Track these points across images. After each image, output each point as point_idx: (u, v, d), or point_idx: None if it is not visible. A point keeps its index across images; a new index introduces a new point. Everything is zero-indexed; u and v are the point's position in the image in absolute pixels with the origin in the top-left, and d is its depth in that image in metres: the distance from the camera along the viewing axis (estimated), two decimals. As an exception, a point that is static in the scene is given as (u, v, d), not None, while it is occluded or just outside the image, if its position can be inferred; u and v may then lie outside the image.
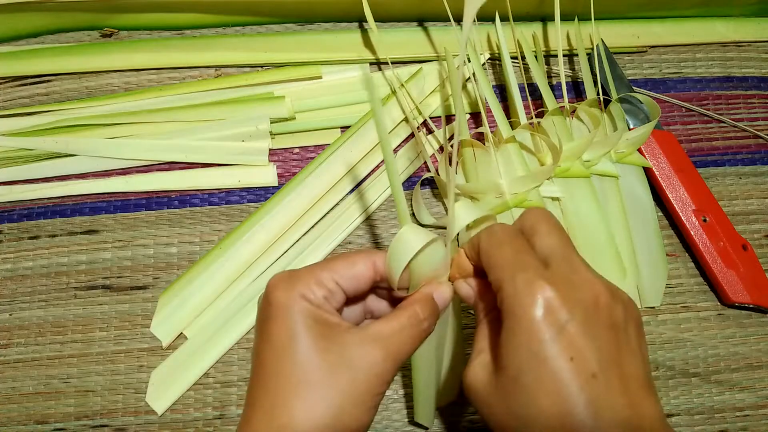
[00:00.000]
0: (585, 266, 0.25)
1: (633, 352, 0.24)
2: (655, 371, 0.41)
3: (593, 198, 0.40)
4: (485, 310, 0.28)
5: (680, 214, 0.41)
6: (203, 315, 0.40)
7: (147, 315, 0.40)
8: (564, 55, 0.46)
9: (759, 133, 0.46)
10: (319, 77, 0.45)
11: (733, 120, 0.46)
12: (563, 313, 0.23)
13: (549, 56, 0.46)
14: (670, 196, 0.42)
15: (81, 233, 0.42)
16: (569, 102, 0.41)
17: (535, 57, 0.43)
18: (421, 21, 0.46)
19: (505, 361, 0.24)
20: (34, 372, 0.39)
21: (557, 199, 0.41)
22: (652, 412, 0.23)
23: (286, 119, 0.44)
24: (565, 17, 0.43)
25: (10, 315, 0.41)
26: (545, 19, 0.47)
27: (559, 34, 0.42)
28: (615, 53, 0.46)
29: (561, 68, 0.41)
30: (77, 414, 0.39)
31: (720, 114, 0.46)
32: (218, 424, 0.39)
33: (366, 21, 0.43)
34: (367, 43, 0.45)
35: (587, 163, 0.41)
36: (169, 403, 0.38)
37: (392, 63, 0.43)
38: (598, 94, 0.42)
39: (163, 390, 0.39)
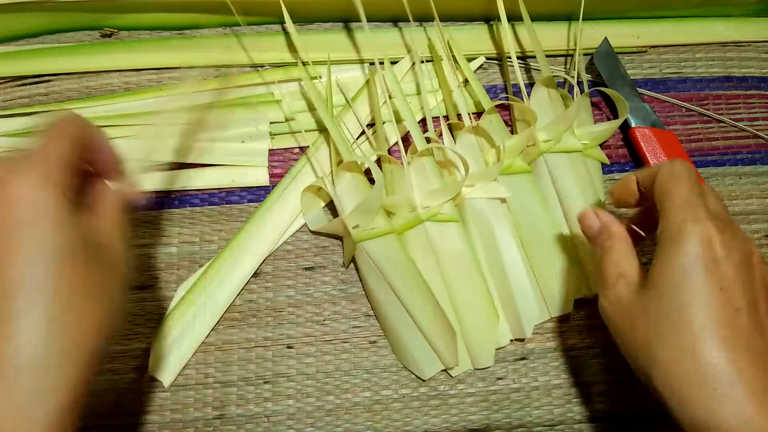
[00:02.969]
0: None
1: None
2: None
3: (537, 193, 0.40)
4: (626, 236, 0.31)
5: (680, 214, 0.41)
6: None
7: (147, 315, 0.40)
8: (561, 55, 0.46)
9: (759, 133, 0.46)
10: (320, 77, 0.45)
11: (733, 120, 0.46)
12: (721, 250, 0.26)
13: (526, 57, 0.46)
14: (670, 196, 0.42)
15: (81, 233, 0.42)
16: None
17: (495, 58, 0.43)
18: (420, 20, 0.46)
19: (657, 278, 0.27)
20: (34, 372, 0.39)
21: (504, 200, 0.40)
22: None
23: (285, 119, 0.44)
24: (565, 17, 0.43)
25: (10, 315, 0.41)
26: (545, 18, 0.47)
27: (510, 35, 0.42)
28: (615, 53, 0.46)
29: (516, 67, 0.41)
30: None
31: (720, 114, 0.46)
32: (218, 424, 0.39)
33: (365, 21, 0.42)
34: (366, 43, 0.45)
35: (548, 142, 0.41)
36: (174, 375, 0.39)
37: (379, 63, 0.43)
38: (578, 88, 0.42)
39: (166, 362, 0.39)
